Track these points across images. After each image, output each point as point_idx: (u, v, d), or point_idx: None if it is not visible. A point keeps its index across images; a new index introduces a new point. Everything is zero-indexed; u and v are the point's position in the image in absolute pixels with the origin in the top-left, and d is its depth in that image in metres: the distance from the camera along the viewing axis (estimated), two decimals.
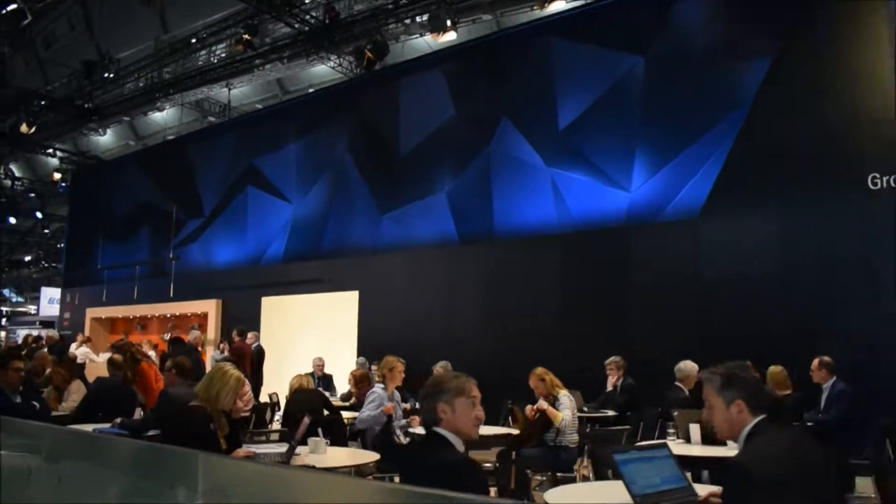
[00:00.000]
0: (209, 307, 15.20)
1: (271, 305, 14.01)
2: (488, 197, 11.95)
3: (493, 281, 11.38)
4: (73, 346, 15.23)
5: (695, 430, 5.23)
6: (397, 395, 6.62)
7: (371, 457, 4.72)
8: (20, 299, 40.59)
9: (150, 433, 5.26)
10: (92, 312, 18.28)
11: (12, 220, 25.81)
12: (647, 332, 9.72)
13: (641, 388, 8.57)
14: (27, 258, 36.99)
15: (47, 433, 4.04)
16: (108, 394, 6.40)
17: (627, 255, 10.26)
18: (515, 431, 6.37)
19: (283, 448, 4.69)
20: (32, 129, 16.43)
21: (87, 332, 17.67)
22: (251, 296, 14.55)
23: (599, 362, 9.92)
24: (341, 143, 14.08)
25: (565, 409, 6.02)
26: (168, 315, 16.64)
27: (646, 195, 10.47)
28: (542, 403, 6.03)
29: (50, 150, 20.99)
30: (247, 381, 7.54)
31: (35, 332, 18.76)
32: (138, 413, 5.74)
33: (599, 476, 4.75)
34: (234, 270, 15.50)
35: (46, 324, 24.87)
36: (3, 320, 37.17)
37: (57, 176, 21.07)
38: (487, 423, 7.57)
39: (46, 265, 35.11)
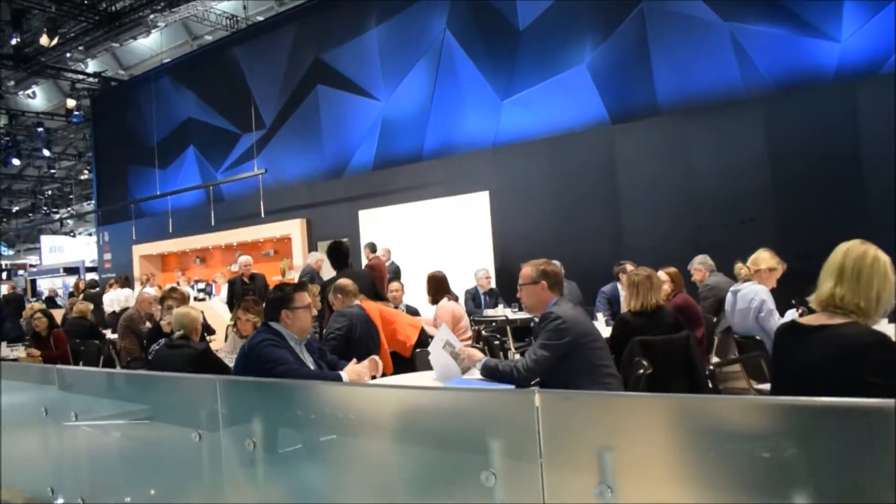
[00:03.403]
0: (292, 228, 13.16)
1: (372, 218, 12.00)
2: (646, 64, 9.93)
3: (666, 162, 9.45)
4: (138, 290, 13.26)
5: None
6: None
7: None
8: (10, 252, 38.13)
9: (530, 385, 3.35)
10: (140, 249, 16.17)
11: (15, 162, 23.21)
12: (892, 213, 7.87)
13: None
14: (15, 209, 34.35)
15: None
16: (360, 332, 4.50)
17: (851, 116, 8.31)
18: None
19: None
20: (54, 41, 13.89)
21: (136, 272, 15.66)
22: (343, 210, 12.54)
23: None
24: (439, 22, 11.86)
25: None
26: (234, 244, 14.60)
27: (863, 43, 8.52)
28: None
29: (75, 74, 18.33)
30: None
31: (88, 277, 16.74)
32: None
33: None
34: (314, 184, 13.43)
35: (70, 270, 22.77)
36: (3, 274, 34.88)
37: (71, 104, 18.52)
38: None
39: (48, 211, 32.62)
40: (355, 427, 2.47)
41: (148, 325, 8.80)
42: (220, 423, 2.93)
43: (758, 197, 8.79)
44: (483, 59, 11.36)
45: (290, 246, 13.38)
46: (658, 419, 1.87)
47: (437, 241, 11.09)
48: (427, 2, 12.02)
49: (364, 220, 12.11)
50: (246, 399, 2.93)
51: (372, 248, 9.56)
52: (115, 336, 10.13)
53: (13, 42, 15.91)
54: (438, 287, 6.29)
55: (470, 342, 6.20)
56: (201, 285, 14.67)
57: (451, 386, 3.27)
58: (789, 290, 6.92)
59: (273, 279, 13.85)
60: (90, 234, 33.75)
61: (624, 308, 6.93)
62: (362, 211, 12.17)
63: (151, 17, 16.60)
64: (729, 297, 4.73)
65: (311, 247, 12.99)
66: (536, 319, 7.12)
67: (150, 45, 19.86)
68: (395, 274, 9.62)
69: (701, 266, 6.52)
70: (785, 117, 8.69)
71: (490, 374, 3.35)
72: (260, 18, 17.27)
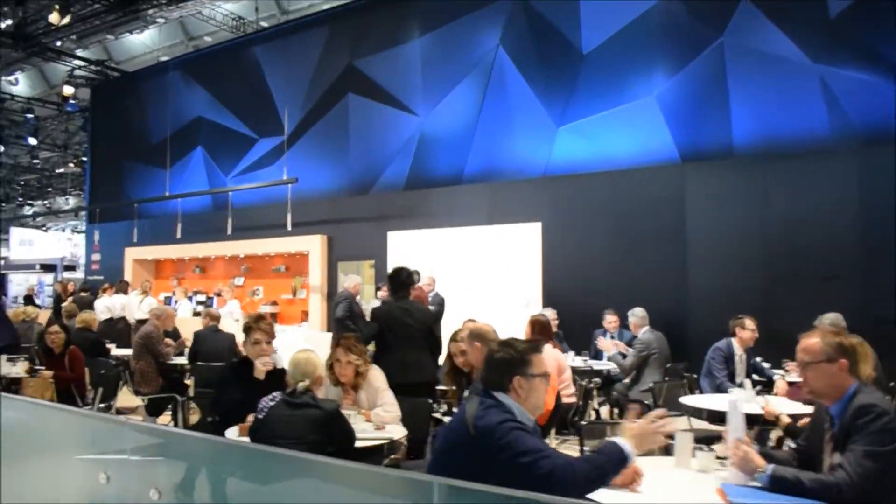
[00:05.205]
0: (311, 244, 12.18)
1: (403, 241, 11.10)
2: (723, 102, 9.27)
3: (741, 208, 8.72)
4: (135, 298, 12.16)
5: None
6: None
7: None
8: None
9: None
10: (133, 252, 15.03)
11: None
12: None
13: None
14: None
15: None
16: None
17: None
18: None
19: None
20: (66, 20, 12.86)
21: (128, 277, 14.53)
22: (370, 230, 11.61)
23: None
24: (491, 37, 11.11)
25: None
26: (240, 256, 13.57)
27: None
28: None
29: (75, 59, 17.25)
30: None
31: (64, 276, 15.57)
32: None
33: None
34: (338, 199, 12.49)
35: (47, 267, 21.40)
36: None
37: (68, 91, 17.38)
38: None
39: (21, 202, 31.13)
40: None
41: (168, 341, 7.81)
42: None
43: (843, 254, 8.11)
44: (539, 81, 10.62)
45: (304, 263, 12.40)
46: None
47: (478, 271, 10.22)
48: (479, 14, 11.26)
49: (394, 243, 11.20)
50: None
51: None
52: (116, 350, 9.12)
53: (7, 22, 14.85)
54: (543, 333, 5.41)
55: (575, 399, 5.33)
56: (200, 297, 13.65)
57: None
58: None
59: (282, 297, 12.89)
60: (62, 230, 32.27)
61: (739, 372, 6.20)
62: (392, 232, 11.26)
63: (151, 12, 15.77)
64: None
65: (332, 266, 12.04)
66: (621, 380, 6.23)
67: (145, 40, 18.94)
68: (441, 307, 8.72)
69: (834, 328, 5.74)
70: (878, 170, 8.03)
71: (787, 488, 2.48)
72: (265, 24, 16.52)
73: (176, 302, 13.10)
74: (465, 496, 2.06)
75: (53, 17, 12.74)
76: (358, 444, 3.45)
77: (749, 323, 6.15)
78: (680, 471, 2.97)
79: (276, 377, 4.02)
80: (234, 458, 2.63)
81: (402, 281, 5.74)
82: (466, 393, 3.80)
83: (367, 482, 2.25)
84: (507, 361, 2.53)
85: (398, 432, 3.81)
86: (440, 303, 8.78)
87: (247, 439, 3.46)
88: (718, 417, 5.07)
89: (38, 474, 3.22)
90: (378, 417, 3.98)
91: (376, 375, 4.22)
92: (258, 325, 4.16)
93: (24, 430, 3.23)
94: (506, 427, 2.39)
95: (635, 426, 2.44)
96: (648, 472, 2.73)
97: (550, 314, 7.90)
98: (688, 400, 5.21)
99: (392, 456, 3.86)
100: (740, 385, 6.03)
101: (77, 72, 18.10)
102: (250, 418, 3.77)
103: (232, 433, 3.71)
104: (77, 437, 3.25)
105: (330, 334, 9.30)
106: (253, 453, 2.61)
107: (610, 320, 8.14)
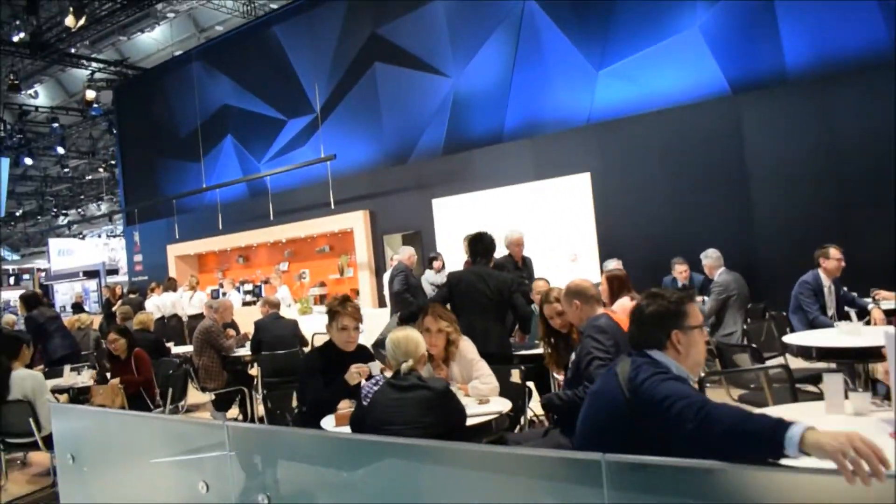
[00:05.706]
0: (354, 221, 11.95)
1: (448, 207, 10.83)
2: (772, 25, 8.77)
3: (802, 135, 8.29)
4: (184, 295, 12.07)
5: None
6: None
7: None
8: (15, 256, 36.88)
9: None
10: (174, 249, 14.96)
11: (28, 161, 21.86)
12: None
13: None
14: (18, 212, 32.98)
15: None
16: None
17: None
18: None
19: None
20: (81, 20, 12.64)
21: (172, 274, 14.46)
22: (412, 199, 11.37)
23: None
24: None
25: None
26: (283, 240, 13.40)
27: None
28: None
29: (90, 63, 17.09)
30: None
31: (109, 280, 15.56)
32: None
33: None
34: (376, 172, 12.22)
35: (90, 274, 21.50)
36: (11, 279, 33.54)
37: (91, 95, 17.24)
38: None
39: (56, 213, 31.34)
40: None
41: (230, 331, 7.65)
42: None
43: None
44: (573, 26, 10.18)
45: (349, 240, 12.20)
46: None
47: (530, 229, 9.89)
48: None
49: (439, 210, 10.92)
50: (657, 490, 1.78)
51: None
52: (174, 348, 9.00)
53: (19, 35, 14.73)
54: (622, 288, 4.99)
55: None
56: (248, 287, 13.54)
57: None
58: None
59: (330, 278, 12.73)
60: (99, 236, 32.51)
61: (830, 304, 5.85)
62: (436, 199, 10.98)
63: (160, 6, 15.49)
64: None
65: (377, 240, 11.82)
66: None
67: (157, 37, 18.68)
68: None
69: None
70: None
71: None
72: (274, 6, 16.10)
73: (224, 294, 13.00)
74: (636, 472, 1.82)
75: (69, 20, 12.54)
76: (468, 421, 3.21)
77: (834, 252, 5.77)
78: (833, 416, 2.68)
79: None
80: (366, 453, 2.38)
81: (484, 246, 5.39)
82: (573, 356, 3.53)
83: (525, 467, 2.01)
84: (662, 315, 2.23)
85: (502, 405, 3.56)
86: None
87: (346, 429, 3.23)
88: (824, 354, 4.74)
89: (142, 483, 3.05)
90: (476, 391, 3.74)
91: (468, 347, 3.97)
92: (345, 309, 3.88)
93: (119, 440, 3.06)
94: (654, 380, 2.09)
95: (836, 434, 1.65)
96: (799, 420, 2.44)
97: (617, 265, 7.58)
98: (792, 338, 4.88)
99: (498, 432, 3.61)
100: (832, 318, 5.71)
101: (97, 75, 17.94)
102: (342, 405, 3.56)
103: (327, 424, 3.49)
104: (173, 443, 3.07)
105: (385, 310, 9.12)
106: (385, 447, 2.34)
107: (680, 270, 7.82)
